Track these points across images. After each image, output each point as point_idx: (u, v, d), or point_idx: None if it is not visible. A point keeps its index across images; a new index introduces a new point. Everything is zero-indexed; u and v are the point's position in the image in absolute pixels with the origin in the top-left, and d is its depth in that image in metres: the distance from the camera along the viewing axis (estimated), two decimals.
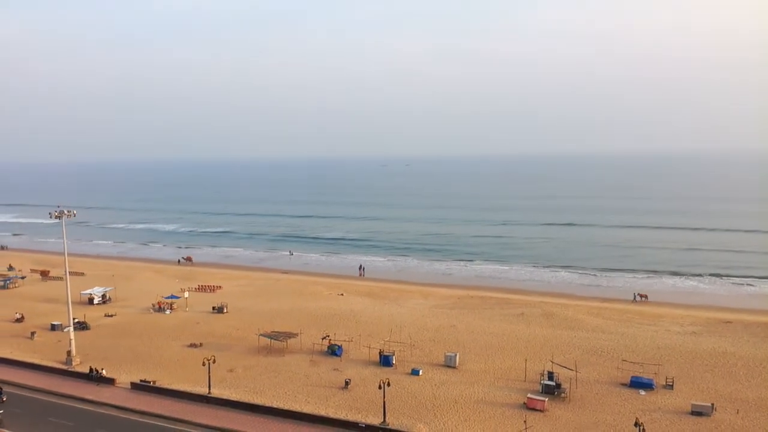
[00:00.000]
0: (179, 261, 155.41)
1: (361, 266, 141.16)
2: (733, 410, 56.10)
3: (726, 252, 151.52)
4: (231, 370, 69.09)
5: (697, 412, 55.20)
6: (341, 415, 56.63)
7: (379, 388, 55.01)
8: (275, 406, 58.67)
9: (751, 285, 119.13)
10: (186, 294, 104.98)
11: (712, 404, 56.17)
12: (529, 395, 58.94)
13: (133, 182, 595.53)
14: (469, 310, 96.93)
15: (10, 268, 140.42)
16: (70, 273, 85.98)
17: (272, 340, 76.66)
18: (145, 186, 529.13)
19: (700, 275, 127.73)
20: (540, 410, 56.68)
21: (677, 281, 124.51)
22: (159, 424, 56.83)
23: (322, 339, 77.61)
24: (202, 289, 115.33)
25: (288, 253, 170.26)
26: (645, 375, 63.75)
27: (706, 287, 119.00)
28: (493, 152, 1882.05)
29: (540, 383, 61.71)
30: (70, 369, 70.33)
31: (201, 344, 78.69)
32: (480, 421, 55.13)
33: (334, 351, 73.90)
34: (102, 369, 68.07)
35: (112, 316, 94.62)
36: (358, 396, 61.12)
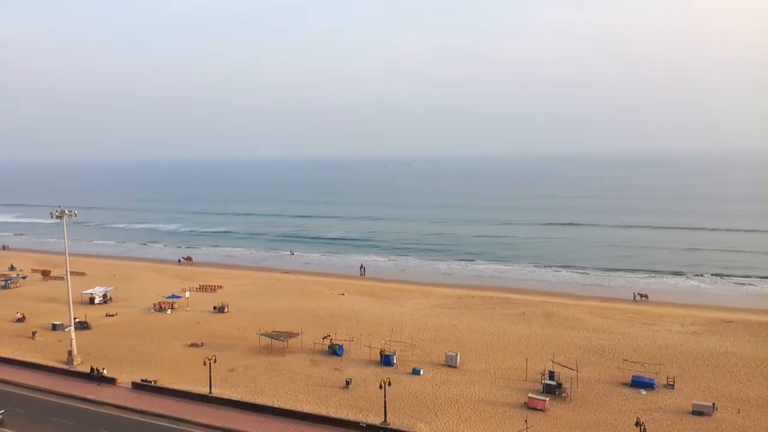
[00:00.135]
0: (179, 261, 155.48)
1: (362, 266, 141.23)
2: (734, 410, 56.05)
3: (727, 252, 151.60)
4: (232, 370, 69.12)
5: (698, 412, 55.18)
6: (342, 414, 56.65)
7: (380, 387, 55.01)
8: (276, 406, 58.71)
9: (752, 285, 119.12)
10: (187, 294, 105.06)
11: (713, 404, 56.14)
12: (529, 395, 58.94)
13: (134, 182, 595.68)
14: (469, 310, 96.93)
15: (12, 267, 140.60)
16: (71, 273, 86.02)
17: (273, 340, 76.68)
18: (145, 186, 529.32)
19: (701, 275, 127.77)
20: (541, 410, 56.68)
21: (678, 281, 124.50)
22: (160, 423, 56.84)
23: (323, 339, 77.64)
24: (203, 288, 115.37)
25: (289, 252, 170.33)
26: (646, 374, 63.72)
27: (707, 287, 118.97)
28: (493, 152, 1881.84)
29: (541, 383, 61.70)
30: (71, 369, 70.37)
31: (202, 344, 78.73)
32: (481, 421, 55.14)
33: (335, 350, 73.90)
34: (103, 369, 68.12)
35: (113, 315, 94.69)
36: (359, 395, 61.12)
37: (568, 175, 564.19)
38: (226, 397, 61.02)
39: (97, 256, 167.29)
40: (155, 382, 65.29)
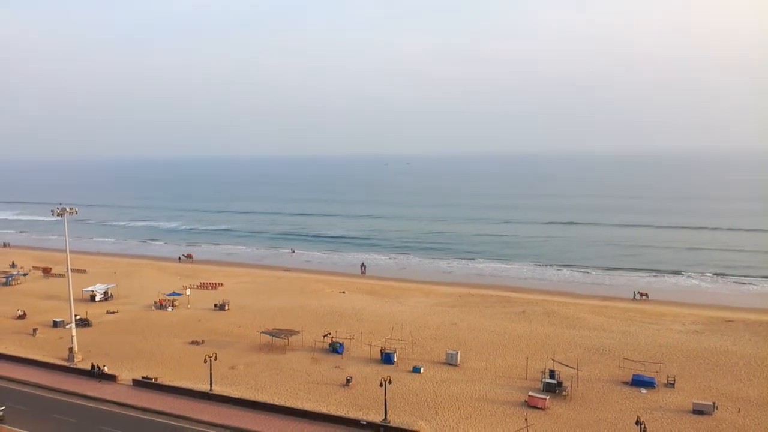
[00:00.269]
0: (180, 258, 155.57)
1: (362, 264, 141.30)
2: (735, 409, 56.07)
3: (728, 251, 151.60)
4: (232, 367, 69.18)
5: (699, 411, 55.21)
6: (342, 412, 56.73)
7: (381, 385, 55.05)
8: (276, 403, 58.79)
9: (752, 284, 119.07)
10: (188, 291, 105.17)
11: (714, 403, 56.16)
12: (530, 393, 58.96)
13: (134, 180, 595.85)
14: (470, 308, 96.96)
15: (13, 265, 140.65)
16: (72, 270, 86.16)
17: (274, 338, 76.72)
18: (145, 184, 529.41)
19: (701, 274, 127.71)
20: (541, 408, 56.71)
21: (679, 280, 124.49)
22: (161, 420, 56.92)
23: (324, 336, 77.70)
24: (203, 286, 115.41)
25: (290, 250, 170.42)
26: (646, 373, 63.75)
27: (707, 286, 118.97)
28: (493, 151, 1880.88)
29: (541, 381, 61.77)
30: (72, 366, 70.44)
31: (202, 341, 78.78)
32: (481, 419, 55.18)
33: (335, 348, 73.95)
34: (104, 366, 68.21)
35: (113, 313, 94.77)
36: (360, 393, 61.18)
37: (568, 174, 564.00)
38: (226, 394, 61.10)
39: (98, 253, 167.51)
40: (156, 379, 65.37)
